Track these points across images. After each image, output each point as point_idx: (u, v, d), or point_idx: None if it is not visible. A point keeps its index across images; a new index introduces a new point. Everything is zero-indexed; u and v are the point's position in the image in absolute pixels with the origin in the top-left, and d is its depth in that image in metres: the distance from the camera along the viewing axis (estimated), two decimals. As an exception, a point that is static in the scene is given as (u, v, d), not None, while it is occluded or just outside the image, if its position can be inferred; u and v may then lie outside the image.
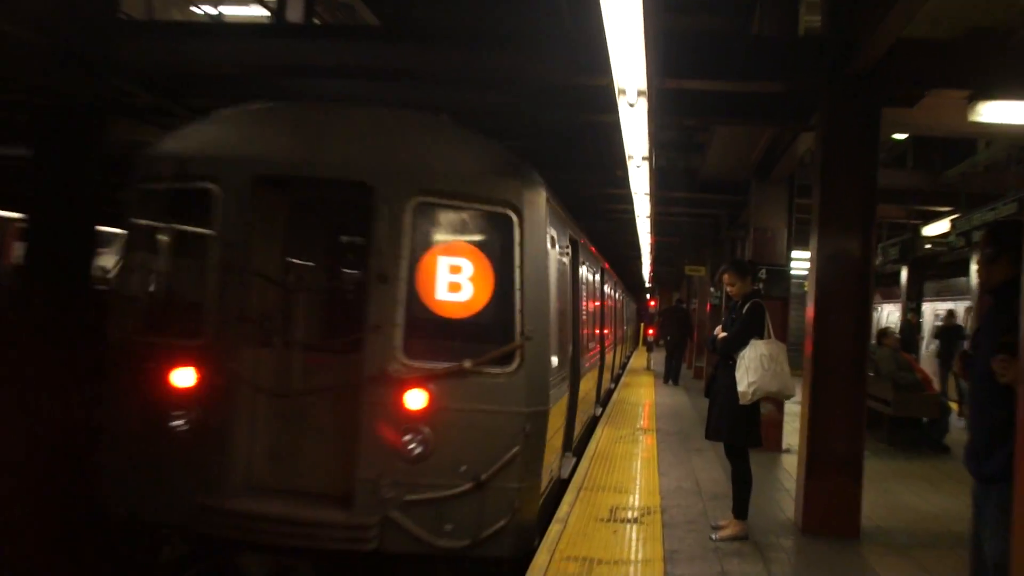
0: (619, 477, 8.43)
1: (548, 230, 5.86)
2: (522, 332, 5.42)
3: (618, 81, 5.55)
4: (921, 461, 10.30)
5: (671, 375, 20.22)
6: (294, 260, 6.17)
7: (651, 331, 26.83)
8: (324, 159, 5.52)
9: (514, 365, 5.37)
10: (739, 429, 6.34)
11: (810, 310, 6.87)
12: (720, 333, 6.64)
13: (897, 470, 9.65)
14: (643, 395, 16.89)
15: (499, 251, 5.50)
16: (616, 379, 19.57)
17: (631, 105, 5.95)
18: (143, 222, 5.85)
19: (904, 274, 22.38)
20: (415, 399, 5.28)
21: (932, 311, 22.55)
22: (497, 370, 5.35)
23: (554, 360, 6.07)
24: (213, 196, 5.54)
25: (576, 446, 8.91)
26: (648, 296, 38.11)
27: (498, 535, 5.24)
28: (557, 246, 6.52)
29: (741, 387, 6.24)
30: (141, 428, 5.43)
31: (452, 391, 5.28)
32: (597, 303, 11.69)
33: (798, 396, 6.91)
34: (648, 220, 14.27)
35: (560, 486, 7.43)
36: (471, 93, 8.60)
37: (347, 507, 5.27)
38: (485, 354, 5.34)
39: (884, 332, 12.61)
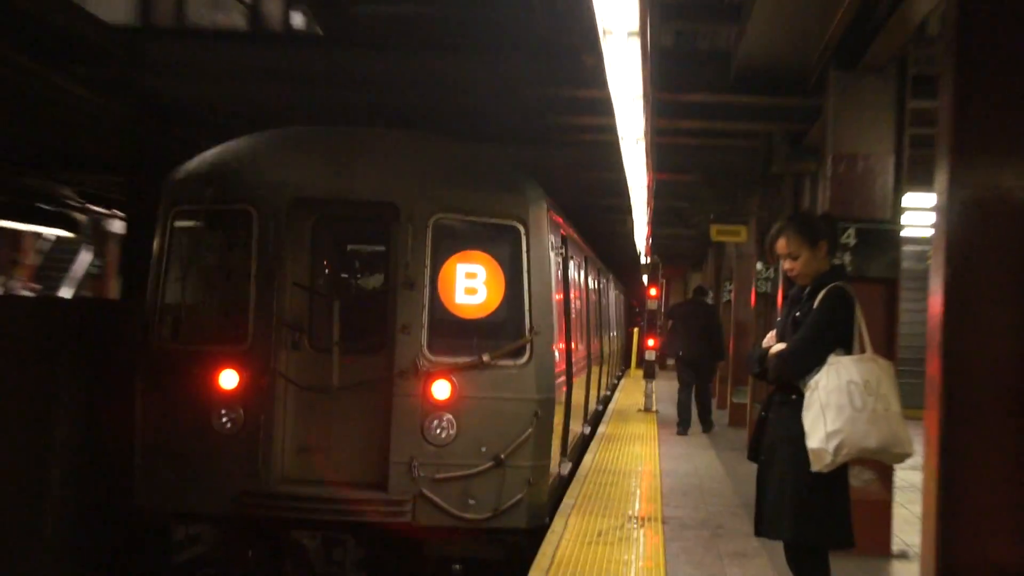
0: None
1: (549, 237, 10.99)
2: (531, 328, 10.48)
3: None
4: None
5: (689, 419, 20.25)
6: (324, 270, 11.30)
7: (652, 341, 26.80)
8: (355, 183, 10.62)
9: (525, 358, 10.45)
10: (813, 517, 6.53)
11: (936, 301, 6.84)
12: (773, 344, 6.87)
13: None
14: (640, 457, 17.19)
15: (509, 258, 10.54)
16: (595, 418, 20.47)
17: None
18: (189, 242, 10.94)
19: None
20: (440, 390, 10.17)
21: None
22: (511, 362, 10.41)
23: (556, 354, 11.15)
24: (253, 217, 10.53)
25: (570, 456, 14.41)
26: (647, 281, 38.09)
27: (515, 508, 10.20)
28: (554, 249, 11.46)
29: (814, 441, 6.38)
30: (197, 427, 10.25)
31: (472, 382, 10.25)
32: (580, 303, 16.46)
33: (918, 456, 6.95)
34: (643, 144, 14.31)
35: (561, 486, 13.04)
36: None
37: (383, 487, 10.17)
38: (500, 349, 10.38)
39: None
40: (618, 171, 17.77)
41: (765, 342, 6.99)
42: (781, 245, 6.90)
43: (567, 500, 12.79)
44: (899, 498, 10.94)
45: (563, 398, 12.32)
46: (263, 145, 11.29)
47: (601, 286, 22.99)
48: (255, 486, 10.14)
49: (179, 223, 10.89)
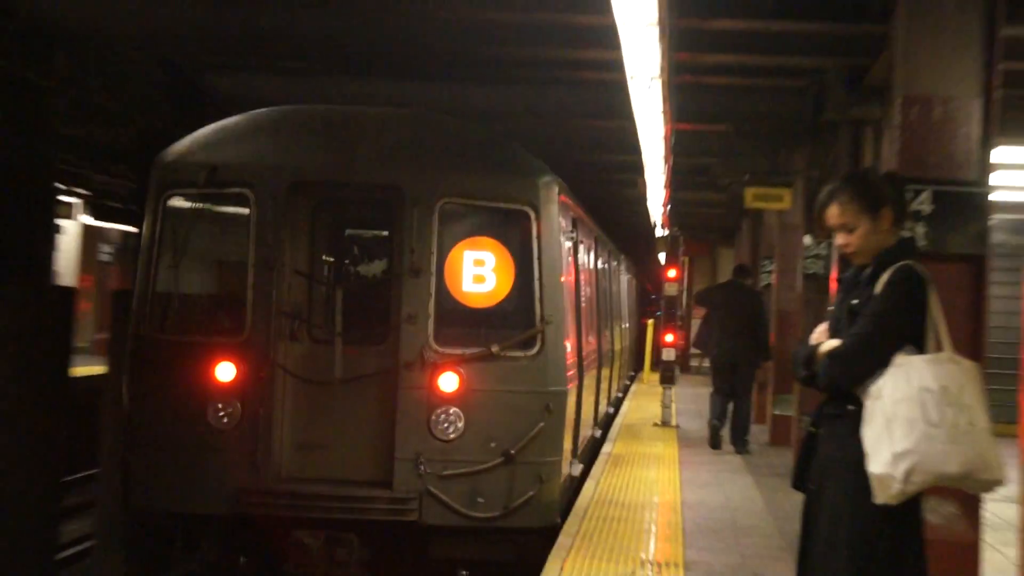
0: None
1: (560, 221, 13.04)
2: (542, 317, 12.25)
3: None
4: None
5: (721, 427, 20.32)
6: (325, 257, 13.38)
7: (672, 337, 26.81)
8: (358, 165, 12.48)
9: (536, 348, 12.27)
10: (877, 561, 6.54)
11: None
12: (824, 339, 6.88)
13: None
14: (656, 484, 17.44)
15: (519, 244, 12.34)
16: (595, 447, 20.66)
17: None
18: (183, 227, 12.69)
19: None
20: (448, 382, 11.92)
21: None
22: (520, 353, 12.23)
23: (568, 345, 13.18)
24: (251, 201, 12.35)
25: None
26: (664, 260, 38.28)
27: (526, 506, 11.92)
28: (565, 234, 13.78)
29: (878, 465, 6.37)
30: (192, 422, 11.94)
31: (481, 374, 12.02)
32: (590, 290, 19.12)
33: (1013, 485, 7.18)
34: (659, 85, 14.53)
35: (573, 489, 15.50)
36: None
37: (388, 484, 11.92)
38: (509, 339, 12.19)
39: None
40: (627, 119, 17.75)
41: (814, 338, 6.88)
42: (834, 214, 6.77)
43: (563, 539, 12.94)
44: (989, 538, 11.01)
45: (574, 393, 14.09)
46: (261, 125, 13.19)
47: (612, 269, 24.56)
48: (254, 483, 11.86)
49: (171, 207, 12.62)
